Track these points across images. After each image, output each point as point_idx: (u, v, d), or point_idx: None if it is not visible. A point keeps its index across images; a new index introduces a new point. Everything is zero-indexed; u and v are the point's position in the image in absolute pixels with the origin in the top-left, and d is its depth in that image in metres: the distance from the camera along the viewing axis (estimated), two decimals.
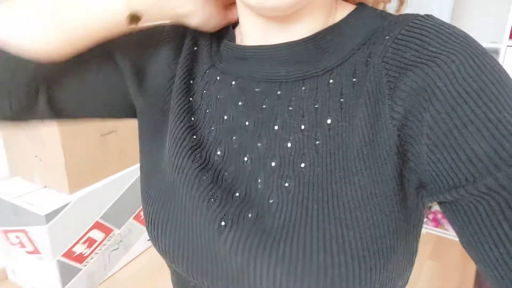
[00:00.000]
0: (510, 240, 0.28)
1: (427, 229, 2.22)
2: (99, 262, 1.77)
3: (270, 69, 0.39)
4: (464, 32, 0.32)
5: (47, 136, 1.53)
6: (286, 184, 0.35)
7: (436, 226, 2.24)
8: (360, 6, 0.39)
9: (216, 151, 0.39)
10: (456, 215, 0.31)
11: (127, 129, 1.78)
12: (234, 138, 0.39)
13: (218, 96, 0.41)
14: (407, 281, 0.41)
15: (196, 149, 0.40)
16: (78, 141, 1.59)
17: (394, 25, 0.35)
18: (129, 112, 0.49)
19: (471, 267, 1.91)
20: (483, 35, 2.08)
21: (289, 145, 0.36)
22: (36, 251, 1.59)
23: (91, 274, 1.74)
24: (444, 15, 2.10)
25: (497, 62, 0.31)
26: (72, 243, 1.63)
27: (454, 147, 0.29)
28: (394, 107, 0.32)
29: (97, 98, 0.46)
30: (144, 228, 1.99)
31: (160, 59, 0.45)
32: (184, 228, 0.38)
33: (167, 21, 0.42)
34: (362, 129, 0.34)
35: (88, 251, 1.71)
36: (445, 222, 2.24)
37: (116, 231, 1.84)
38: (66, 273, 1.62)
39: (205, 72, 0.43)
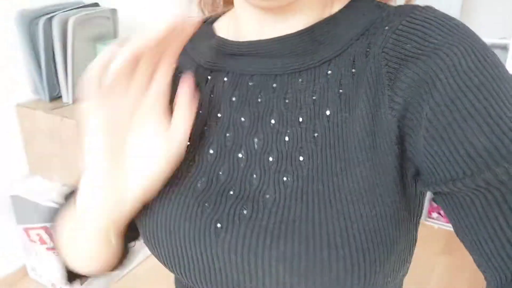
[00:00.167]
0: (506, 234, 0.28)
1: (440, 225, 2.22)
2: None
3: (265, 62, 0.38)
4: (464, 24, 0.32)
5: (66, 135, 1.57)
6: (284, 179, 0.34)
7: (449, 222, 2.24)
8: None
9: (208, 151, 0.38)
10: (452, 207, 0.31)
11: None
12: (227, 135, 0.38)
13: (211, 95, 0.40)
14: (407, 271, 0.41)
15: (188, 154, 0.38)
16: None
17: (394, 16, 0.34)
18: None
19: None
20: (492, 30, 2.09)
21: (286, 138, 0.35)
22: None
23: None
24: (453, 11, 2.12)
25: (497, 56, 0.31)
26: None
27: (453, 141, 0.29)
28: (394, 98, 0.32)
29: None
30: None
31: None
32: (180, 236, 0.36)
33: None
34: (363, 119, 0.33)
35: None
36: None
37: None
38: None
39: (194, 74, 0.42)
